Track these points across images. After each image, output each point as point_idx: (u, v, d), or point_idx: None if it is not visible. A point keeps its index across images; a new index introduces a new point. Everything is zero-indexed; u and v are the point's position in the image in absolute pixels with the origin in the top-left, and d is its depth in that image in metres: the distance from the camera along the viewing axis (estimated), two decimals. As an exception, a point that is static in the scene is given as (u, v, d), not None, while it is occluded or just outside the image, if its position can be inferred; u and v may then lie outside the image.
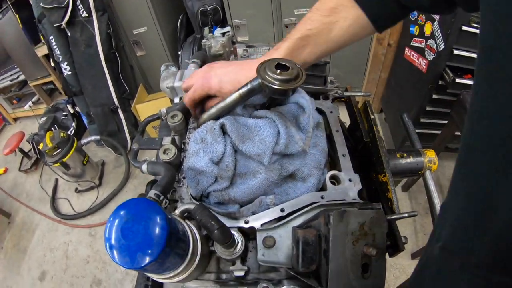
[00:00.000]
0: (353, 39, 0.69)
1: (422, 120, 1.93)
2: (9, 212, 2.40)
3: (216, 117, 0.68)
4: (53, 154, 2.19)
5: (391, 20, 0.68)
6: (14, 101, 3.65)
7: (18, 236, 2.28)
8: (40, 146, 2.23)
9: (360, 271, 0.51)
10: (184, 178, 0.70)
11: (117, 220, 0.44)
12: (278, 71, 0.54)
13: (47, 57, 2.76)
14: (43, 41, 2.53)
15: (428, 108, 1.86)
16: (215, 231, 0.50)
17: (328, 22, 0.65)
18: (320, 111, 0.81)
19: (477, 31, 1.41)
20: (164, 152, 0.71)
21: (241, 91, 0.60)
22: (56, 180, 2.59)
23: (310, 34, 0.66)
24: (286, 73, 0.53)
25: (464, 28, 1.45)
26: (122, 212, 0.44)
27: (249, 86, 0.58)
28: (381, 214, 0.52)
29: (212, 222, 0.50)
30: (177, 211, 0.57)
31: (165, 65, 0.94)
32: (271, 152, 0.60)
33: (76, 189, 2.53)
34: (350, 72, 2.50)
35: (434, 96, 1.78)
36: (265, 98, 0.71)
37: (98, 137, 2.48)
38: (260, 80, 0.54)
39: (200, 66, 0.93)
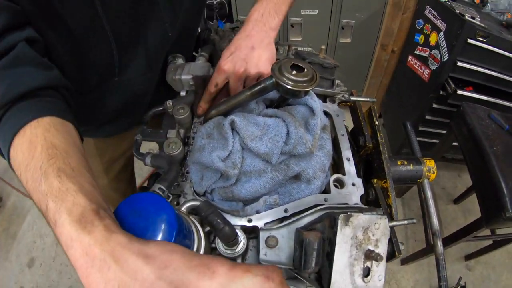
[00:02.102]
0: None
1: (420, 128, 1.94)
2: (0, 196, 2.37)
3: (225, 113, 0.68)
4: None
5: None
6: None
7: (8, 221, 2.24)
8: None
9: (362, 275, 0.51)
10: (187, 172, 0.70)
11: (123, 214, 0.42)
12: (294, 71, 0.54)
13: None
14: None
15: (427, 117, 1.87)
16: (221, 230, 0.49)
17: None
18: (326, 113, 0.81)
19: (482, 45, 1.44)
20: (169, 146, 0.71)
21: (253, 89, 0.59)
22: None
23: None
24: (301, 75, 0.53)
25: (470, 41, 1.46)
26: (129, 206, 0.43)
27: (262, 84, 0.58)
28: (385, 220, 0.53)
29: (218, 220, 0.49)
30: (183, 208, 0.56)
31: (172, 57, 0.92)
32: (279, 151, 0.60)
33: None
34: (352, 76, 2.51)
35: (434, 105, 1.79)
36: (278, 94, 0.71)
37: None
38: (273, 80, 0.54)
39: (208, 60, 0.93)
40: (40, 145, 0.46)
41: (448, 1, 1.62)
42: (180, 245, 0.39)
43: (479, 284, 1.88)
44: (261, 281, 0.36)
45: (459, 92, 1.58)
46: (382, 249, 0.52)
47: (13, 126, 0.48)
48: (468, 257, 1.95)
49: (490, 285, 1.88)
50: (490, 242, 1.79)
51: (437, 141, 1.86)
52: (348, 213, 0.50)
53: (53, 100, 0.55)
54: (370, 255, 0.51)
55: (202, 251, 0.51)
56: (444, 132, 1.74)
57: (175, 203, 0.66)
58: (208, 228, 0.59)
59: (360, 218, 0.51)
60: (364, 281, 0.51)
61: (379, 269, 0.52)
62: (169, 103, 0.79)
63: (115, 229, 0.39)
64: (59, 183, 0.42)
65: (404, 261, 1.93)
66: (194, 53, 1.01)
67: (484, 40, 1.45)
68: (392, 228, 0.65)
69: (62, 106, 0.56)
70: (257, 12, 0.75)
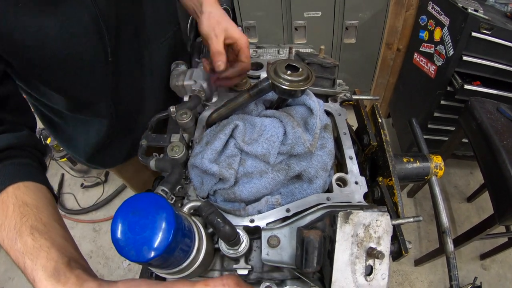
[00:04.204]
0: None
1: (429, 126, 1.91)
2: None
3: (225, 116, 0.69)
4: (61, 149, 2.21)
5: None
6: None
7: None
8: (48, 141, 2.25)
9: (364, 273, 0.51)
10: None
11: (124, 213, 0.44)
12: (288, 72, 0.54)
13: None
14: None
15: (436, 114, 1.84)
16: (221, 229, 0.50)
17: None
18: (328, 113, 0.81)
19: (487, 37, 1.41)
20: (172, 149, 0.72)
21: (251, 91, 0.60)
22: (63, 175, 2.61)
23: None
24: (296, 74, 0.54)
25: (474, 34, 1.44)
26: (130, 205, 0.44)
27: (259, 86, 0.59)
28: (386, 217, 0.52)
29: (218, 220, 0.50)
30: (184, 208, 0.57)
31: (175, 63, 0.95)
32: (276, 151, 0.61)
33: (82, 184, 2.54)
34: (359, 76, 2.49)
35: (442, 102, 1.77)
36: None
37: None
38: (270, 81, 0.55)
39: None
40: (12, 203, 0.50)
41: (450, -5, 1.60)
42: (144, 279, 0.46)
43: (495, 283, 1.83)
44: None
45: (466, 87, 1.55)
46: (384, 247, 0.52)
47: None
48: (484, 256, 1.90)
49: (507, 284, 1.82)
50: (506, 239, 1.74)
51: (447, 138, 1.83)
52: (348, 211, 0.50)
53: (25, 161, 0.58)
54: (372, 253, 0.50)
55: (203, 250, 0.52)
56: (454, 128, 1.71)
57: (179, 204, 0.67)
58: (211, 230, 0.60)
59: (361, 215, 0.50)
60: (366, 280, 0.50)
61: (382, 268, 0.51)
62: (172, 109, 0.80)
63: (86, 277, 0.45)
64: (32, 240, 0.47)
65: (418, 262, 1.90)
66: (196, 59, 1.03)
67: (489, 33, 1.42)
68: (399, 226, 0.64)
69: (33, 168, 0.58)
70: None
